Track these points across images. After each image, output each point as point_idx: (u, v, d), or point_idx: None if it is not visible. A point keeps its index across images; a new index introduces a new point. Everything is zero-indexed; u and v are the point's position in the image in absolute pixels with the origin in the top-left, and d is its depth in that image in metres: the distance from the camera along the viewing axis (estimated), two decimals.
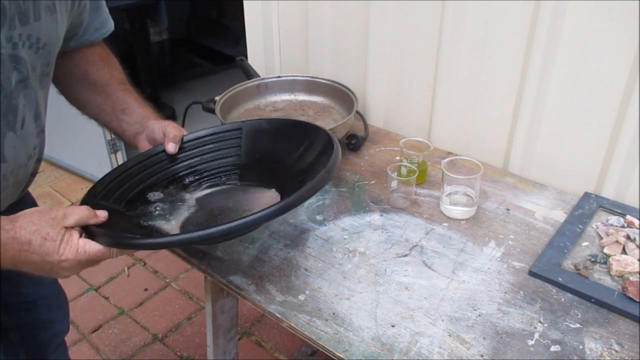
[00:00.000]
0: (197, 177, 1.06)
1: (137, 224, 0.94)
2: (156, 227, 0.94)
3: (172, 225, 0.95)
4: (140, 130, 1.03)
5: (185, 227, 0.95)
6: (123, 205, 0.96)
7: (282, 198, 0.96)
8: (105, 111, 1.04)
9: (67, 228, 0.77)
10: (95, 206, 0.91)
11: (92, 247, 0.77)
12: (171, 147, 1.02)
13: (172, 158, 1.04)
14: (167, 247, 0.84)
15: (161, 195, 1.02)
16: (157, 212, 0.98)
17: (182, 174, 1.06)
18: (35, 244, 0.74)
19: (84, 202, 0.93)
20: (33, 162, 0.91)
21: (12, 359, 1.07)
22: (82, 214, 0.79)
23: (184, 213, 0.98)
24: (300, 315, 0.90)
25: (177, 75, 3.70)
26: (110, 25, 1.05)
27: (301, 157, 0.98)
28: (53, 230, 0.75)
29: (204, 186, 1.06)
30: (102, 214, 0.83)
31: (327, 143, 0.92)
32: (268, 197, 0.99)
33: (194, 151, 1.07)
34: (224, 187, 1.05)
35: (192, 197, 1.03)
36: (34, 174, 0.94)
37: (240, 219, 0.76)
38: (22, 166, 0.87)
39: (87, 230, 0.79)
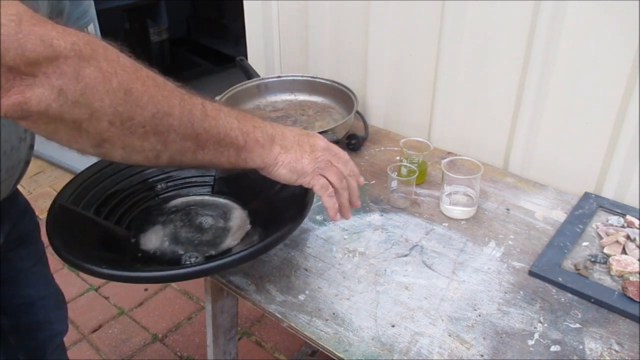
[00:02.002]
0: (169, 184, 1.04)
1: (111, 235, 0.92)
2: (130, 241, 0.93)
3: (146, 239, 0.94)
4: None
5: (158, 245, 0.93)
6: (93, 212, 0.94)
7: (252, 223, 0.97)
8: None
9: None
10: (65, 210, 0.90)
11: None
12: None
13: None
14: (130, 282, 0.82)
15: (132, 202, 1.00)
16: (128, 221, 0.96)
17: (154, 179, 1.03)
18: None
19: (53, 204, 0.90)
20: (25, 147, 0.89)
21: None
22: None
23: (155, 227, 0.97)
24: (300, 315, 0.90)
25: (177, 75, 3.67)
26: (91, 15, 1.02)
27: (277, 186, 0.96)
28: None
29: (176, 195, 1.04)
30: None
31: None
32: (239, 220, 0.99)
33: None
34: (196, 198, 1.04)
35: (164, 207, 1.01)
36: (27, 162, 0.93)
37: (204, 263, 0.78)
38: (14, 149, 0.86)
39: (53, 244, 0.78)
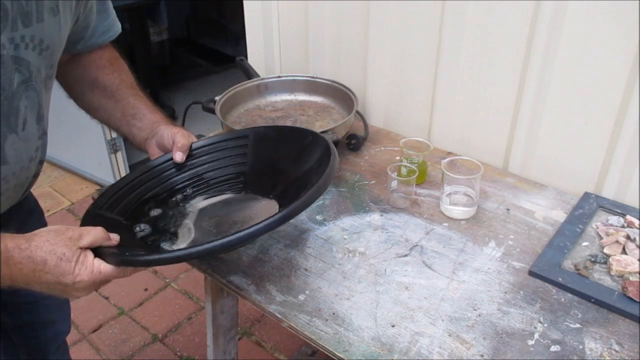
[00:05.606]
0: (201, 187, 1.06)
1: (141, 239, 0.94)
2: (158, 243, 0.94)
3: (173, 244, 0.94)
4: (151, 135, 1.05)
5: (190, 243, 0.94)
6: (127, 217, 0.96)
7: (280, 207, 0.96)
8: (116, 116, 1.05)
9: (82, 249, 0.77)
10: (99, 217, 0.92)
11: (106, 267, 0.78)
12: (178, 157, 1.03)
13: (179, 166, 1.05)
14: (172, 262, 0.82)
15: (163, 209, 1.01)
16: (158, 226, 0.98)
17: (186, 184, 1.05)
18: (50, 264, 0.74)
19: (88, 212, 0.93)
20: (35, 163, 0.91)
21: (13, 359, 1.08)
22: (98, 235, 0.79)
23: (184, 229, 0.98)
24: (300, 315, 0.90)
25: (177, 75, 3.70)
26: (117, 28, 1.05)
27: (299, 164, 0.97)
28: (69, 250, 0.75)
29: (206, 197, 1.05)
30: (115, 237, 0.83)
31: (325, 152, 0.90)
32: (267, 209, 0.98)
33: (201, 159, 1.07)
34: (226, 196, 1.04)
35: (194, 210, 1.02)
36: (36, 175, 0.95)
37: (224, 237, 0.76)
38: (24, 168, 0.88)
39: (96, 250, 0.79)
